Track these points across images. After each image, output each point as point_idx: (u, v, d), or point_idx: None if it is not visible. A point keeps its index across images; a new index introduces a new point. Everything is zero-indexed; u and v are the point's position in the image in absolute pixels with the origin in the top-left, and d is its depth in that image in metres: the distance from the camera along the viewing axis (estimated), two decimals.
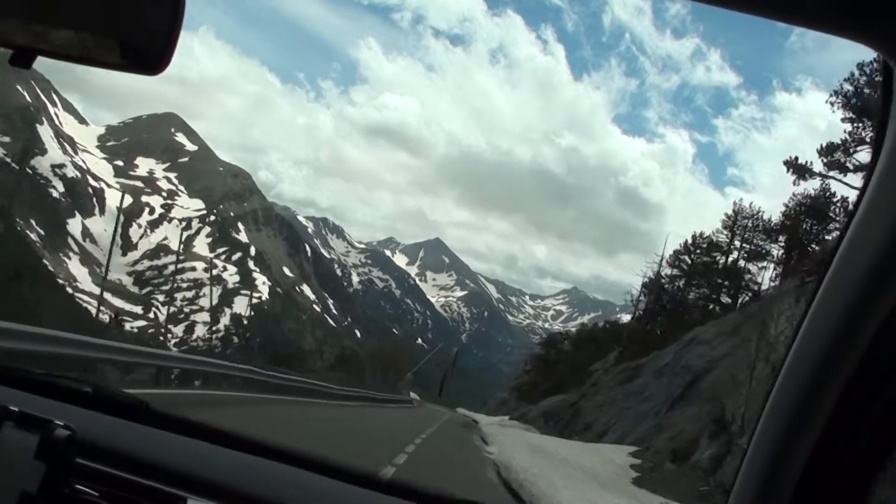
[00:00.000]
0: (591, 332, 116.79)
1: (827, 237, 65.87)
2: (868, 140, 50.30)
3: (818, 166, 58.38)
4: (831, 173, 57.17)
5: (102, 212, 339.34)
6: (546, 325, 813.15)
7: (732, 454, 25.38)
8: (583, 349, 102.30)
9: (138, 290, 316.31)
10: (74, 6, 1.80)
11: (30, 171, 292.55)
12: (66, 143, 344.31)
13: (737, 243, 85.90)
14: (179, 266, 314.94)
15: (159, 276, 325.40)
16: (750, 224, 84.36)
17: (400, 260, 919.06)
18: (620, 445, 39.98)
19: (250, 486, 2.70)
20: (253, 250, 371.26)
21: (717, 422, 29.89)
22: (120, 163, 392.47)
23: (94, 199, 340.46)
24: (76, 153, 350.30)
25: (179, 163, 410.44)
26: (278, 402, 33.46)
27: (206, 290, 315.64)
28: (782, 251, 78.02)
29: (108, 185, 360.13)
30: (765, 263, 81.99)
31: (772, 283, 72.43)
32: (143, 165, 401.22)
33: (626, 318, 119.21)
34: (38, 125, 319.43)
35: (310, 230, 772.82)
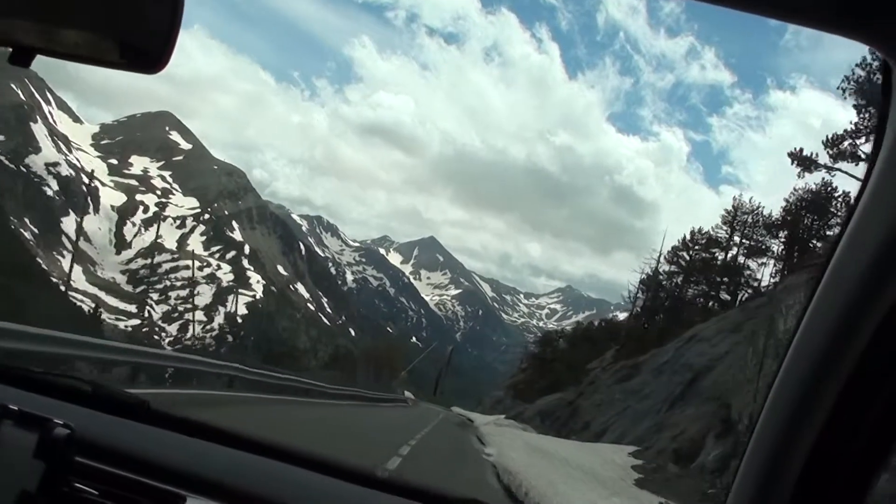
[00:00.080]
0: (588, 331, 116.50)
1: (828, 232, 65.26)
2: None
3: (822, 158, 57.13)
4: (837, 165, 55.96)
5: (97, 210, 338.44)
6: (540, 324, 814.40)
7: (739, 455, 24.54)
8: (579, 347, 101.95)
9: (132, 288, 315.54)
10: (74, 5, 1.80)
11: (24, 170, 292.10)
12: (60, 142, 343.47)
13: (736, 239, 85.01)
14: (173, 265, 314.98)
15: (153, 274, 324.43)
16: (750, 220, 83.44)
17: (394, 258, 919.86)
18: (620, 445, 39.34)
19: (250, 484, 2.70)
20: (247, 249, 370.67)
21: (723, 421, 29.32)
22: (114, 161, 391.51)
23: (88, 198, 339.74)
24: (70, 151, 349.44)
25: (174, 161, 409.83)
26: (268, 401, 32.68)
27: (199, 288, 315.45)
28: (783, 247, 77.32)
29: (103, 184, 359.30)
30: (765, 259, 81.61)
31: (772, 280, 72.02)
32: (138, 164, 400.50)
33: (622, 316, 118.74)
34: (32, 123, 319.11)
35: (304, 229, 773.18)
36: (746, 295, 77.66)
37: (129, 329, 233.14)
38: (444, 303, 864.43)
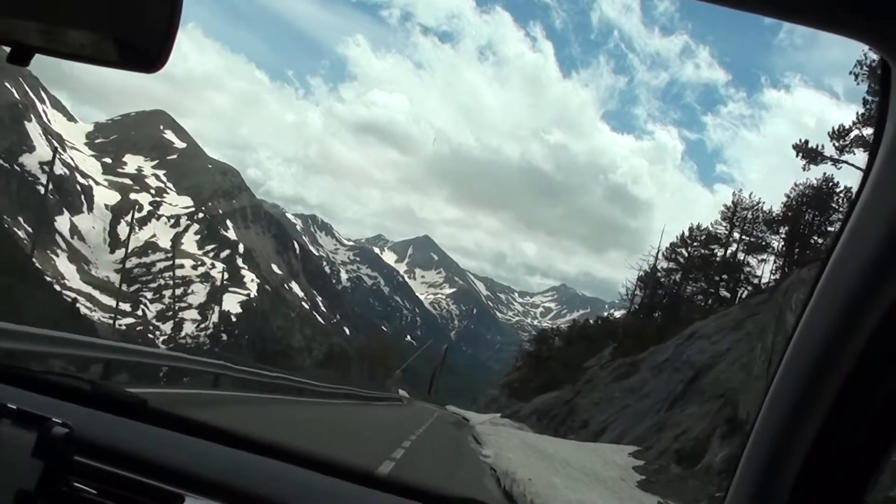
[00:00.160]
0: (583, 329, 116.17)
1: (829, 228, 64.72)
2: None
3: (828, 150, 56.15)
4: (843, 157, 54.98)
5: (91, 209, 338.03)
6: (535, 323, 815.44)
7: None
8: (574, 345, 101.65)
9: (126, 287, 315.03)
10: (73, 4, 1.79)
11: (17, 169, 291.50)
12: (54, 141, 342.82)
13: (736, 235, 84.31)
14: (167, 263, 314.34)
15: (147, 273, 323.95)
16: (750, 216, 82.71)
17: (389, 257, 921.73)
18: (620, 445, 38.74)
19: (248, 483, 2.69)
20: (241, 248, 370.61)
21: (729, 421, 28.74)
22: (108, 160, 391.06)
23: (83, 197, 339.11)
24: (64, 150, 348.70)
25: (168, 160, 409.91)
26: (256, 400, 32.07)
27: (194, 287, 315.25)
28: (783, 243, 76.69)
29: (97, 183, 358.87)
30: (765, 256, 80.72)
31: (773, 276, 71.50)
32: (132, 163, 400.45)
33: (618, 314, 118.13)
34: (26, 122, 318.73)
35: (298, 227, 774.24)
36: (746, 292, 76.64)
37: (124, 328, 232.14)
38: (438, 301, 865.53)
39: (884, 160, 1.71)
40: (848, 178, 60.87)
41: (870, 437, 2.02)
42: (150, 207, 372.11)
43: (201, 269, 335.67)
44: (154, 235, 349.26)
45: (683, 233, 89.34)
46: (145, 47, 1.85)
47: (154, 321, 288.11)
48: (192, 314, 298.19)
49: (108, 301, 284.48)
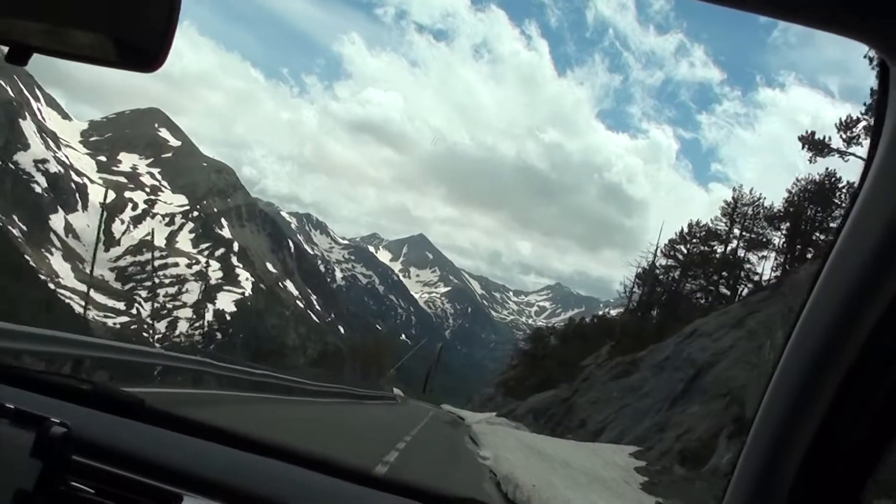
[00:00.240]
0: (580, 327, 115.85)
1: (832, 224, 64.05)
2: None
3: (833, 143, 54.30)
4: (851, 149, 53.03)
5: (85, 207, 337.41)
6: (530, 321, 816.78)
7: None
8: (570, 344, 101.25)
9: (121, 285, 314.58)
10: (71, 4, 1.78)
11: (12, 167, 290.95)
12: (48, 139, 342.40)
13: (736, 231, 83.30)
14: (162, 262, 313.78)
15: (142, 271, 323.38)
16: (750, 211, 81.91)
17: (383, 256, 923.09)
18: (620, 445, 38.25)
19: (247, 483, 2.69)
20: (236, 246, 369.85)
21: (736, 421, 28.29)
22: (103, 158, 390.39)
23: (77, 195, 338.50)
24: (59, 148, 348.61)
25: (163, 158, 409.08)
26: (246, 399, 31.32)
27: (188, 285, 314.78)
28: (785, 239, 75.85)
29: (92, 181, 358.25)
30: (765, 253, 79.91)
31: (773, 273, 70.95)
32: (127, 161, 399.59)
33: (614, 312, 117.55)
34: (20, 120, 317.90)
35: (293, 226, 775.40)
36: (746, 289, 76.24)
37: (118, 326, 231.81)
38: (433, 300, 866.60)
39: (883, 157, 1.71)
40: (852, 172, 60.22)
41: (870, 433, 2.01)
42: (145, 206, 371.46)
43: (196, 268, 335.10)
44: (149, 234, 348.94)
45: (682, 229, 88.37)
46: (144, 47, 1.85)
47: (148, 319, 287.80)
48: (187, 313, 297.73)
49: (103, 299, 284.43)
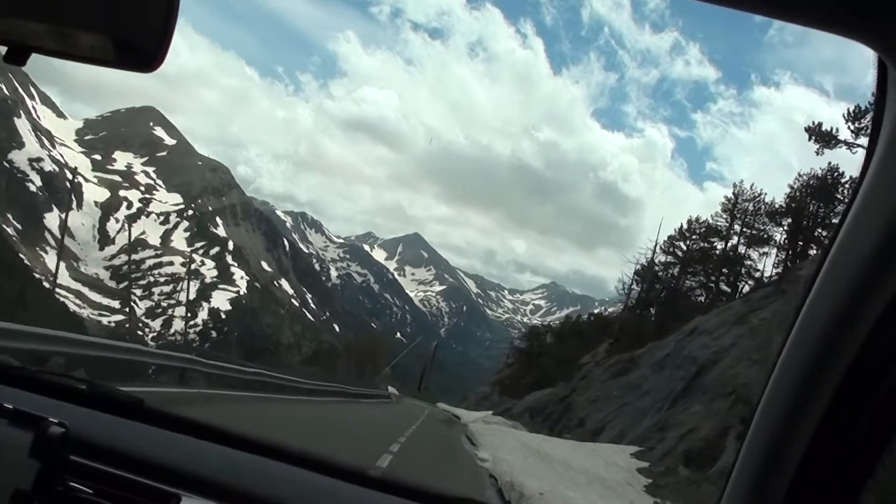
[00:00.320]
0: (576, 325, 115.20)
1: (834, 220, 63.27)
2: None
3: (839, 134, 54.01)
4: (859, 141, 51.46)
5: (80, 206, 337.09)
6: (525, 320, 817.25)
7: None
8: (567, 342, 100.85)
9: (115, 284, 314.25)
10: (69, 4, 1.77)
11: (7, 165, 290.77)
12: (43, 137, 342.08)
13: (737, 228, 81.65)
14: (157, 261, 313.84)
15: (137, 270, 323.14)
16: (751, 207, 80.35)
17: (378, 255, 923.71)
18: (621, 445, 37.71)
19: (245, 483, 2.69)
20: (231, 245, 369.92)
21: (744, 421, 27.88)
22: (98, 157, 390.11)
23: (72, 194, 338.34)
24: (54, 147, 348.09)
25: (158, 157, 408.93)
26: (238, 398, 30.76)
27: (183, 284, 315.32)
28: (786, 236, 74.73)
29: (87, 180, 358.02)
30: (766, 249, 78.68)
31: (775, 270, 70.43)
32: (122, 159, 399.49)
33: (611, 309, 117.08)
34: (15, 118, 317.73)
35: (288, 225, 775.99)
36: (747, 286, 74.50)
37: (113, 325, 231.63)
38: (428, 299, 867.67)
39: (882, 156, 1.72)
40: (858, 165, 59.83)
41: (870, 432, 2.01)
42: (140, 204, 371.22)
43: (191, 266, 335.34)
44: (144, 232, 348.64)
45: (682, 225, 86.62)
46: (142, 47, 1.85)
47: (143, 318, 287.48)
48: (182, 311, 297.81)
49: (98, 298, 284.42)
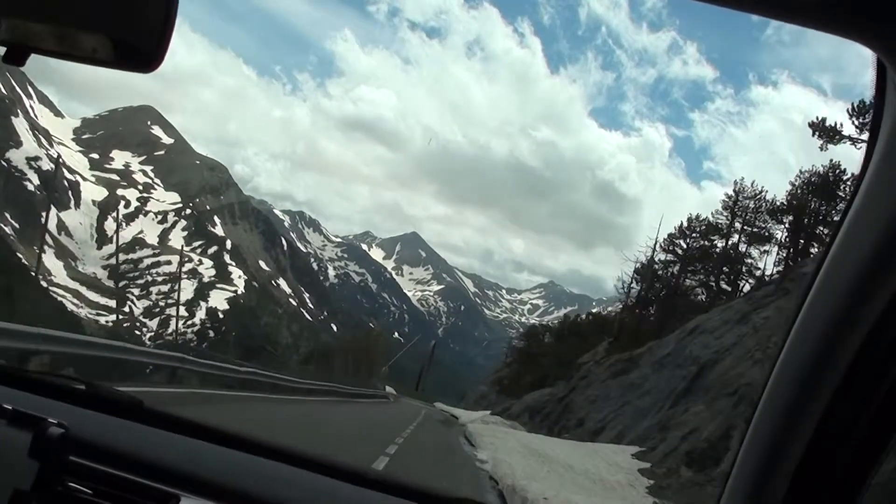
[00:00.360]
0: (574, 324, 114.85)
1: (836, 218, 62.43)
2: None
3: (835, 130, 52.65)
4: (863, 136, 50.55)
5: (78, 205, 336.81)
6: (523, 319, 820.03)
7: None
8: (565, 341, 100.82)
9: (113, 283, 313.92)
10: (68, 4, 1.77)
11: (4, 164, 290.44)
12: (41, 136, 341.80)
13: (737, 225, 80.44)
14: (154, 260, 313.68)
15: (134, 269, 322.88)
16: (752, 205, 79.13)
17: (376, 254, 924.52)
18: (622, 446, 37.40)
19: (244, 483, 2.70)
20: (229, 244, 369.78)
21: (749, 421, 27.49)
22: (95, 156, 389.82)
23: (70, 193, 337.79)
24: (51, 146, 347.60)
25: (155, 156, 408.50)
26: (229, 398, 30.26)
27: (181, 283, 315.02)
28: (787, 233, 73.00)
29: (84, 178, 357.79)
30: (767, 247, 77.50)
31: (776, 268, 69.91)
32: (119, 158, 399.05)
33: (609, 308, 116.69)
34: (13, 117, 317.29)
35: (286, 224, 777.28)
36: (748, 284, 73.86)
37: (110, 324, 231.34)
38: (426, 298, 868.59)
39: (880, 155, 1.72)
40: (859, 163, 59.18)
41: (870, 431, 2.02)
42: (138, 203, 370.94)
43: (188, 266, 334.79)
44: (141, 231, 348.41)
45: (682, 223, 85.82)
46: (141, 47, 1.85)
47: (141, 318, 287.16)
48: (180, 310, 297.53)
49: (95, 297, 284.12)
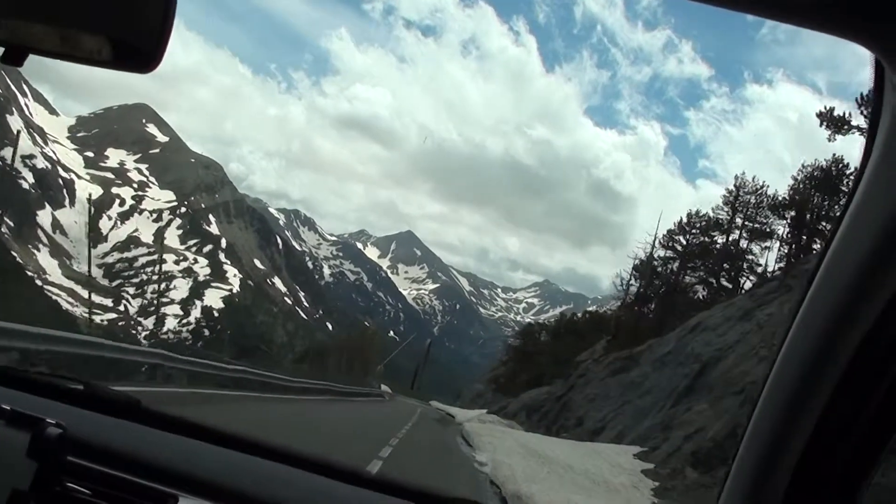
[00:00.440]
0: (571, 322, 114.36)
1: (839, 213, 61.60)
2: None
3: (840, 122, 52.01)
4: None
5: (73, 203, 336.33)
6: (518, 318, 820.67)
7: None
8: (562, 339, 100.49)
9: (108, 282, 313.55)
10: (67, 4, 1.77)
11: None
12: (36, 134, 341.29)
13: (738, 221, 79.29)
14: (149, 258, 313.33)
15: (129, 268, 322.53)
16: (753, 200, 78.05)
17: (371, 252, 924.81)
18: (623, 445, 36.82)
19: (242, 483, 2.70)
20: (224, 242, 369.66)
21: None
22: (90, 154, 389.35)
23: (65, 191, 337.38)
24: (46, 144, 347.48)
25: (150, 154, 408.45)
26: (220, 398, 29.78)
27: (176, 282, 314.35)
28: (788, 229, 71.97)
29: (79, 177, 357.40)
30: (769, 243, 76.39)
31: (778, 265, 69.32)
32: (114, 157, 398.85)
33: (606, 306, 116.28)
34: (7, 116, 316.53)
35: (281, 222, 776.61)
36: (749, 281, 72.88)
37: (105, 323, 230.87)
38: (421, 297, 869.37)
39: (879, 155, 1.72)
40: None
41: (870, 428, 2.02)
42: (133, 202, 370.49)
43: (183, 264, 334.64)
44: (136, 230, 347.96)
45: (682, 219, 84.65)
46: (140, 47, 1.85)
47: (136, 316, 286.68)
48: (175, 309, 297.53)
49: (91, 296, 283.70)
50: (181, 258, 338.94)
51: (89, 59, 1.88)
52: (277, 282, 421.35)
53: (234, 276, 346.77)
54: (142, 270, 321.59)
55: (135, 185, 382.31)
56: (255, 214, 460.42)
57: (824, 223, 63.82)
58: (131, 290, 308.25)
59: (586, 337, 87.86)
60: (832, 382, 1.98)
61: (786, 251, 70.06)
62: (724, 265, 78.72)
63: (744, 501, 2.29)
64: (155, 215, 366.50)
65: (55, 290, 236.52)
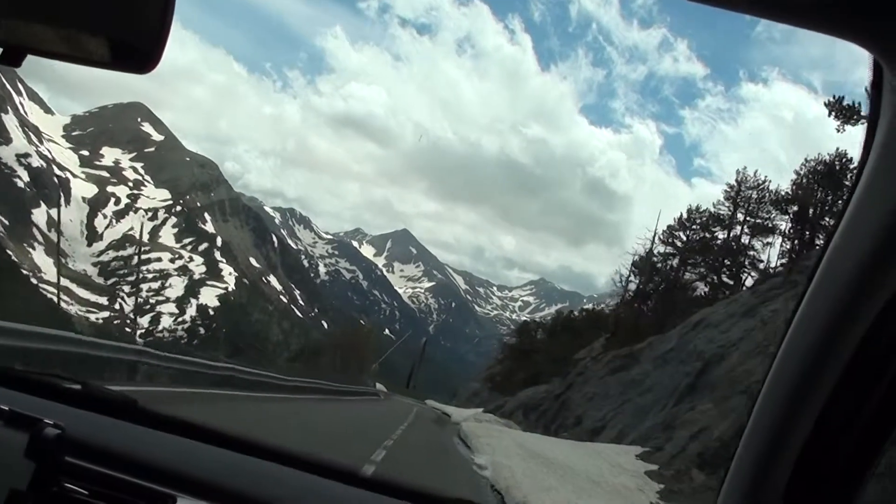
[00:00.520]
0: (568, 320, 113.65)
1: (839, 212, 61.06)
2: None
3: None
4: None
5: (68, 202, 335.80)
6: (514, 316, 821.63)
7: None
8: (559, 337, 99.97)
9: (103, 280, 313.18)
10: (65, 4, 1.76)
11: None
12: (31, 133, 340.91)
13: (740, 216, 78.45)
14: (145, 257, 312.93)
15: (125, 266, 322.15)
16: (755, 195, 77.06)
17: (367, 251, 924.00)
18: (624, 445, 36.24)
19: (239, 483, 2.70)
20: (219, 241, 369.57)
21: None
22: (85, 152, 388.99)
23: (60, 190, 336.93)
24: (41, 143, 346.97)
25: (146, 153, 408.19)
26: (210, 397, 28.87)
27: (171, 280, 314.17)
28: (791, 224, 70.57)
29: (74, 175, 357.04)
30: (771, 239, 75.37)
31: (780, 261, 68.76)
32: (109, 155, 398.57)
33: (602, 305, 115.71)
34: (2, 114, 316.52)
35: (277, 221, 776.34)
36: (750, 277, 71.93)
37: (100, 321, 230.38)
38: (417, 295, 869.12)
39: (878, 155, 1.72)
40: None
41: (870, 425, 2.03)
42: (128, 200, 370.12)
43: (179, 263, 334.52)
44: (132, 228, 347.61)
45: (682, 215, 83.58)
46: (138, 48, 1.84)
47: (131, 315, 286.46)
48: (170, 308, 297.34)
49: (86, 294, 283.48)
50: (177, 256, 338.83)
51: (88, 60, 1.87)
52: (273, 280, 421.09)
53: (230, 274, 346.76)
54: (139, 269, 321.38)
55: (130, 184, 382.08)
56: (251, 213, 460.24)
57: (827, 218, 63.20)
58: (126, 289, 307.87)
59: (584, 334, 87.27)
60: (832, 379, 1.98)
61: (788, 247, 69.35)
62: (726, 261, 78.01)
63: (744, 497, 2.28)
64: (150, 214, 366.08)
65: (51, 289, 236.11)
